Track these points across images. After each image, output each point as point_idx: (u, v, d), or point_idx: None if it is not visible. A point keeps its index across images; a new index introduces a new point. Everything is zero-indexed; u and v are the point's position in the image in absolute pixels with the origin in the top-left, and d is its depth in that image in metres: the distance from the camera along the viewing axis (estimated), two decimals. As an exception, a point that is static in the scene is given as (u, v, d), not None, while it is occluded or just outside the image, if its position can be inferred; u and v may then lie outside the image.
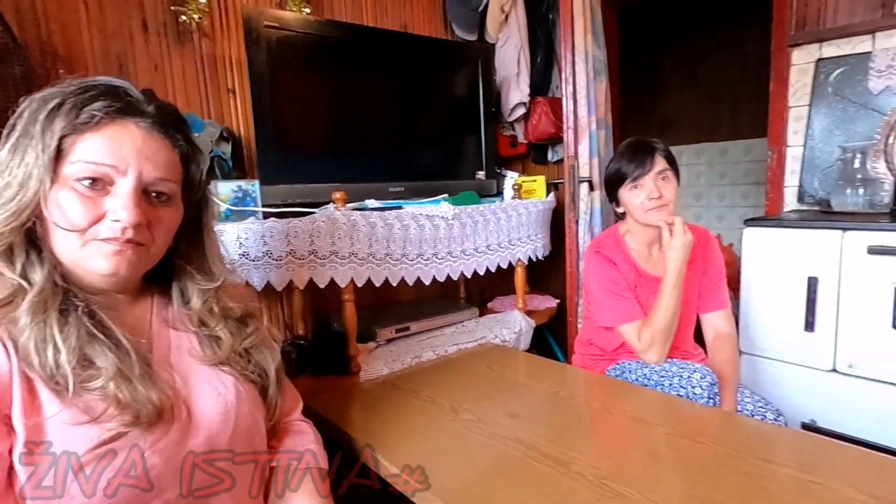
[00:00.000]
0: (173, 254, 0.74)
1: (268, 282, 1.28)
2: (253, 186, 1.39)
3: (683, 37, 3.54)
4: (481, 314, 1.96)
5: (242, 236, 1.24)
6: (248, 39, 1.40)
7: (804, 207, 1.91)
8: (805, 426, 1.52)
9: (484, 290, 2.29)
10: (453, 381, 1.32)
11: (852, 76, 1.78)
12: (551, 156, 2.29)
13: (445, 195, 1.66)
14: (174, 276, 0.75)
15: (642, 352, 1.29)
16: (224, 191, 1.35)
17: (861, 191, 1.65)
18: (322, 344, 1.53)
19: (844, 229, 1.41)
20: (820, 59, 1.86)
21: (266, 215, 1.37)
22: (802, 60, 1.91)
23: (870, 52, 1.74)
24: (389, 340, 1.68)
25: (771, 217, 1.73)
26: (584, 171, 1.96)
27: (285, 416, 0.88)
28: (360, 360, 1.47)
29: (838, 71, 1.82)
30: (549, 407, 1.17)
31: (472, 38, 2.12)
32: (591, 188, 1.98)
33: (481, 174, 1.91)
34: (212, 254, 0.77)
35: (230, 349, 0.74)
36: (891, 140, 1.66)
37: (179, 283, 0.75)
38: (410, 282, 1.52)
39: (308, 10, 1.64)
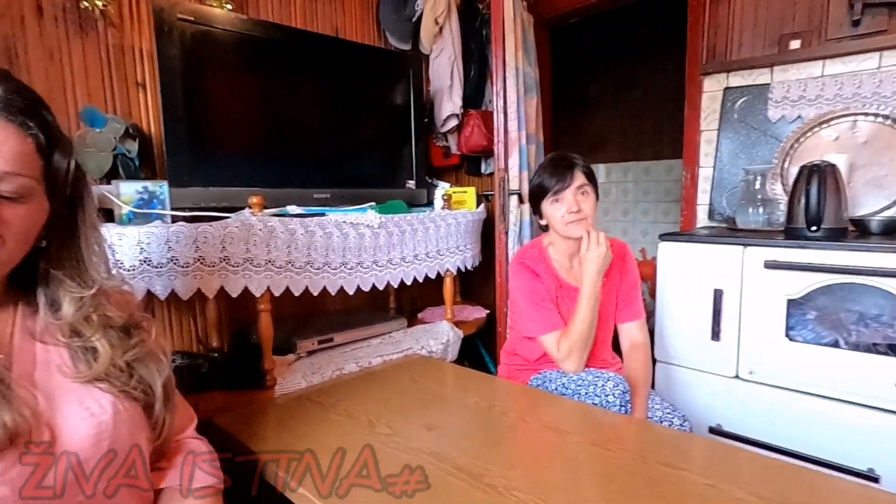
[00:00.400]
0: (43, 256, 0.67)
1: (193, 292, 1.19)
2: (161, 188, 1.29)
3: (612, 60, 3.74)
4: (411, 325, 1.94)
5: (144, 241, 1.15)
6: (158, 31, 1.31)
7: (713, 224, 2.04)
8: (712, 430, 1.61)
9: (416, 301, 2.27)
10: (374, 395, 1.29)
11: (754, 105, 1.94)
12: (484, 168, 2.32)
13: (373, 203, 1.63)
14: (41, 282, 0.67)
15: (561, 361, 1.32)
16: (127, 191, 1.25)
17: (761, 210, 1.78)
18: (236, 357, 1.44)
19: (745, 245, 1.51)
20: (727, 88, 2.02)
21: (175, 219, 1.28)
22: (712, 88, 2.06)
23: (768, 84, 1.90)
24: (311, 352, 1.62)
25: (683, 233, 1.84)
26: (514, 184, 2.00)
27: (177, 435, 0.81)
28: (276, 373, 1.39)
29: (742, 99, 1.97)
30: (469, 419, 1.16)
31: (406, 47, 2.13)
32: (521, 200, 2.02)
33: (411, 183, 1.90)
34: (89, 257, 0.69)
35: (108, 362, 0.67)
36: (786, 164, 1.82)
37: (47, 290, 0.67)
38: (333, 291, 1.47)
39: (230, 7, 1.57)
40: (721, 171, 2.03)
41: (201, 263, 1.20)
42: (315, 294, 1.43)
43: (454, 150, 2.24)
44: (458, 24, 2.14)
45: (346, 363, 1.51)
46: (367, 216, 1.52)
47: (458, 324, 1.95)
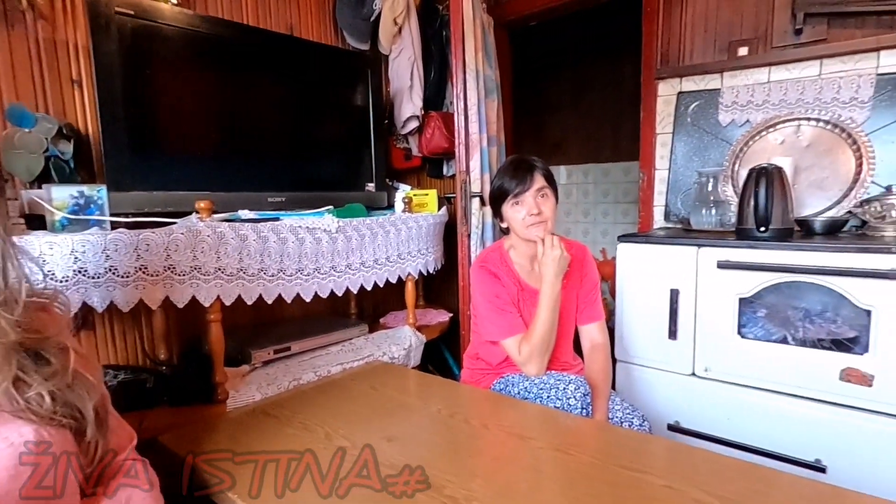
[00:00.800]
0: None
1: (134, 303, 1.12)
2: (98, 192, 1.21)
3: (572, 63, 3.80)
4: (373, 330, 1.90)
5: (79, 249, 1.07)
6: (94, 25, 1.23)
7: (670, 225, 2.09)
8: (671, 427, 1.64)
9: (378, 306, 2.23)
10: (332, 405, 1.24)
11: (706, 109, 2.00)
12: (446, 170, 2.30)
13: (330, 207, 1.58)
14: None
15: (522, 364, 1.31)
16: (60, 196, 1.16)
17: (713, 211, 1.84)
18: (185, 370, 1.37)
19: (699, 246, 1.55)
20: (680, 93, 2.07)
21: (115, 225, 1.20)
22: (666, 92, 2.11)
23: (719, 89, 1.96)
24: (267, 362, 1.55)
25: (640, 234, 1.87)
26: (475, 187, 1.99)
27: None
28: (229, 386, 1.33)
29: (695, 104, 2.03)
30: (430, 427, 1.14)
31: (365, 47, 2.08)
32: (483, 203, 2.02)
33: (371, 186, 1.86)
34: None
35: (23, 392, 0.61)
36: (736, 167, 1.88)
37: None
38: (288, 299, 1.41)
39: (175, 1, 1.49)
40: (676, 174, 2.08)
41: (143, 273, 1.12)
42: (269, 302, 1.37)
43: (415, 151, 2.21)
44: (418, 25, 2.11)
45: (304, 373, 1.45)
46: (324, 220, 1.48)
47: (421, 328, 1.92)
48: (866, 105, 1.68)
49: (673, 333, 1.61)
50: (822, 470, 1.37)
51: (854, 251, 1.32)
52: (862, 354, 1.32)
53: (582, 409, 1.19)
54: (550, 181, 1.40)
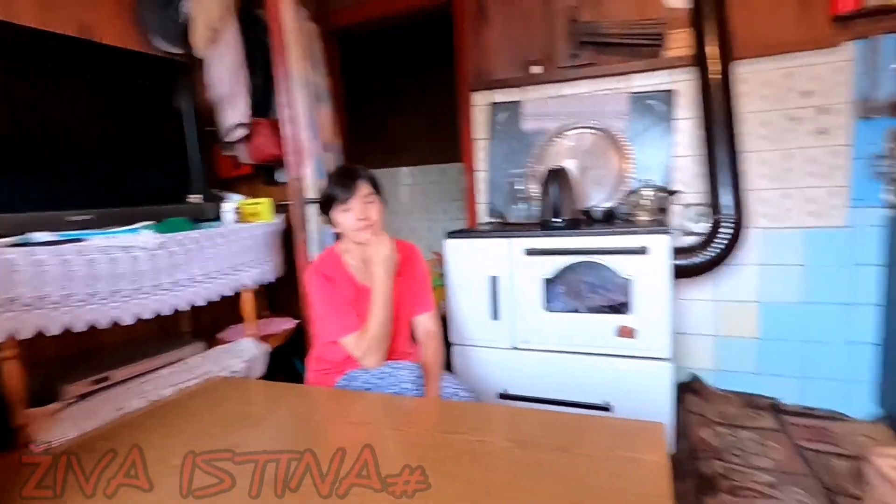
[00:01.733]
0: None
1: None
2: None
3: (411, 70, 4.00)
4: (210, 346, 1.82)
5: None
6: None
7: (492, 220, 2.37)
8: (502, 395, 1.88)
9: (217, 320, 2.13)
10: (164, 429, 1.19)
11: (513, 118, 2.31)
12: (280, 177, 2.28)
13: (148, 223, 1.49)
14: None
15: (361, 359, 1.41)
16: None
17: (523, 206, 2.14)
18: (-26, 419, 1.19)
19: (510, 237, 1.81)
20: (493, 103, 2.36)
21: None
22: (481, 102, 2.39)
23: (520, 101, 2.29)
24: (85, 395, 1.41)
25: (463, 230, 2.10)
26: (311, 193, 2.02)
27: None
28: (34, 428, 1.19)
29: (504, 113, 2.33)
30: (275, 431, 1.17)
31: (177, 50, 1.97)
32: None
33: (195, 197, 1.78)
34: None
35: None
36: (539, 168, 2.21)
37: None
38: (104, 324, 1.31)
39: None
40: (494, 174, 2.36)
41: None
42: (80, 330, 1.26)
43: (244, 159, 2.15)
44: (238, 30, 2.06)
45: (130, 400, 1.36)
46: (141, 237, 1.39)
47: (265, 338, 1.90)
48: (625, 117, 2.11)
49: (495, 314, 1.85)
50: (609, 409, 1.71)
51: (618, 234, 1.68)
52: (628, 314, 1.68)
53: (415, 390, 1.33)
54: (376, 187, 1.51)
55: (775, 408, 1.99)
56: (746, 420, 1.93)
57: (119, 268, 1.33)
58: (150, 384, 1.48)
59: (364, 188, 1.46)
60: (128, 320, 1.36)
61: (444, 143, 3.95)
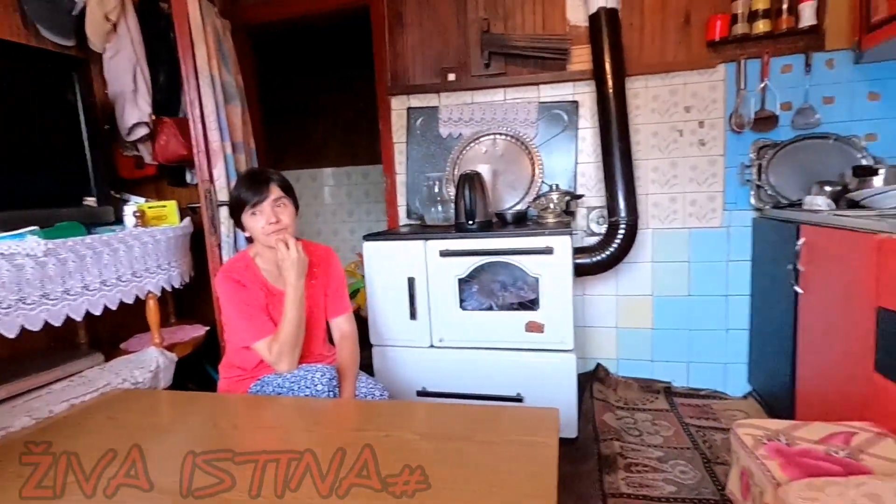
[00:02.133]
0: None
1: None
2: None
3: (332, 70, 3.94)
4: (110, 358, 1.71)
5: None
6: None
7: (411, 222, 2.42)
8: (419, 393, 1.93)
9: (119, 330, 2.00)
10: (54, 448, 1.12)
11: (430, 123, 2.37)
12: (190, 178, 2.19)
13: (35, 227, 1.38)
14: None
15: (275, 363, 1.40)
16: None
17: (440, 209, 2.20)
18: None
19: (426, 239, 1.87)
20: (410, 108, 2.41)
21: None
22: (399, 107, 2.43)
23: (437, 106, 2.35)
24: (-42, 419, 1.28)
25: (381, 232, 2.13)
26: (222, 195, 1.95)
27: None
28: None
29: (421, 118, 2.39)
30: (180, 442, 1.13)
31: (70, 43, 1.83)
32: (234, 211, 2.00)
33: (91, 200, 1.66)
34: None
35: None
36: (455, 172, 2.29)
37: None
38: (-19, 338, 1.20)
39: None
40: (412, 177, 2.41)
41: None
42: (-49, 346, 1.15)
43: (149, 160, 2.04)
44: (138, 24, 1.95)
45: (16, 419, 1.26)
46: (26, 243, 1.29)
47: (172, 346, 1.81)
48: (534, 124, 2.24)
49: (413, 314, 1.90)
50: (521, 400, 1.82)
51: (525, 235, 1.78)
52: (537, 310, 1.80)
53: (329, 391, 1.34)
54: (287, 191, 1.50)
55: (668, 391, 2.21)
56: (643, 403, 2.13)
57: (1, 276, 1.22)
58: (39, 401, 1.37)
59: (275, 191, 1.44)
60: (10, 333, 1.26)
61: (366, 144, 3.95)
